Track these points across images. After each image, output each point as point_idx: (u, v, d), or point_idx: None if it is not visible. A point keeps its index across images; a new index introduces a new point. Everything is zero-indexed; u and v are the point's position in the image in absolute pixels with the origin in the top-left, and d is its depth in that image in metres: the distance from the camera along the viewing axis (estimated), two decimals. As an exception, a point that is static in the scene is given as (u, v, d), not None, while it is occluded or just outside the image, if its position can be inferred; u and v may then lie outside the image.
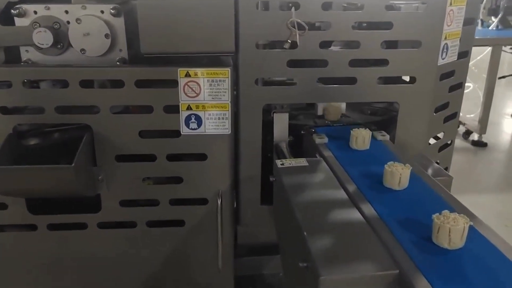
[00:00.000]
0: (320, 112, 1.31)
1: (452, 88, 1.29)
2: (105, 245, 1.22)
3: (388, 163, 0.91)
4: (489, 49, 3.59)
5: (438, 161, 1.36)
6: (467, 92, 4.22)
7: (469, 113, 3.80)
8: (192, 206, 1.21)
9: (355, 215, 0.80)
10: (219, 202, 1.18)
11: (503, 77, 4.03)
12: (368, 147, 1.11)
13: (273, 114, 1.22)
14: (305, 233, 0.74)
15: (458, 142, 3.70)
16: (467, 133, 3.70)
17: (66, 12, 1.11)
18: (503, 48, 3.68)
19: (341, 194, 0.88)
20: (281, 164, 1.02)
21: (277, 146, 1.24)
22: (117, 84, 1.09)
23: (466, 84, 4.39)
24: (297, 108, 1.37)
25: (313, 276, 0.65)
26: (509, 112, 4.36)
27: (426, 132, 1.22)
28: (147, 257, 1.25)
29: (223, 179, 1.19)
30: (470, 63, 4.30)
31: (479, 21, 4.43)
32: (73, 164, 0.99)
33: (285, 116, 1.23)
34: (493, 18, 4.18)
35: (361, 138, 1.09)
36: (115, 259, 1.23)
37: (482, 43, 3.27)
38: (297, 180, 0.94)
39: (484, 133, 3.55)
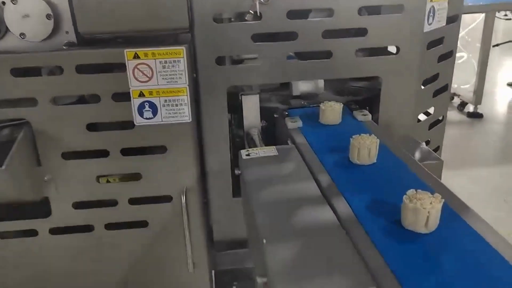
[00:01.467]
0: (295, 93, 1.17)
1: (442, 58, 1.15)
2: (60, 253, 1.09)
3: (354, 136, 0.80)
4: (482, 16, 3.43)
5: (429, 139, 1.23)
6: (460, 63, 4.10)
7: (463, 83, 3.66)
8: (155, 205, 1.09)
9: (326, 215, 0.66)
10: (183, 199, 1.05)
11: (497, 45, 3.87)
12: (339, 122, 0.99)
13: (241, 96, 1.08)
14: (264, 241, 0.61)
15: (453, 114, 3.57)
16: (462, 104, 3.57)
17: (-1, -8, 0.96)
18: (497, 14, 3.51)
19: (312, 189, 0.74)
20: (246, 155, 0.88)
21: (248, 134, 1.10)
22: (55, 71, 0.94)
23: (460, 54, 4.27)
24: (270, 89, 1.22)
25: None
26: (505, 81, 4.22)
27: (414, 109, 1.09)
28: (109, 263, 1.12)
29: (188, 174, 1.06)
30: (463, 32, 4.16)
31: (472, -13, 4.25)
32: (3, 167, 0.85)
33: (255, 98, 1.09)
34: (486, -17, 4.01)
35: (330, 111, 0.95)
36: (73, 267, 1.11)
37: (475, 10, 3.10)
38: (262, 174, 0.81)
39: (480, 103, 3.43)
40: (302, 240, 0.61)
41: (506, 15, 3.96)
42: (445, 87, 1.21)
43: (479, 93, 3.40)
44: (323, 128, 0.98)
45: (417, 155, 0.90)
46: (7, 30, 0.99)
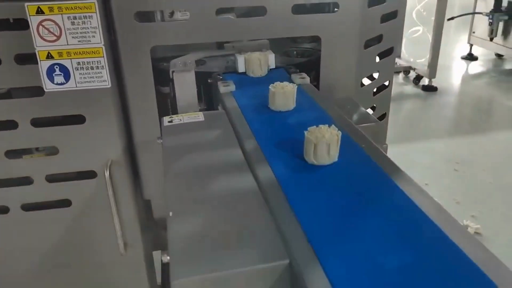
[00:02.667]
0: (242, 70, 1.06)
1: (385, 18, 1.08)
2: (-31, 238, 0.97)
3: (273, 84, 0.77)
4: (437, -12, 3.42)
5: (374, 105, 1.17)
6: (416, 36, 4.09)
7: (419, 57, 3.67)
8: (77, 182, 0.98)
9: (245, 181, 0.59)
10: (107, 174, 0.95)
11: (452, 18, 3.89)
12: (265, 73, 0.97)
13: (172, 74, 0.97)
14: (169, 214, 0.53)
15: (409, 88, 3.59)
16: (418, 78, 3.59)
17: None
18: (452, -13, 3.52)
19: (235, 155, 0.66)
20: (168, 122, 0.79)
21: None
22: None
23: (415, 28, 4.25)
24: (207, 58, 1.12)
25: (171, 276, 0.44)
26: (460, 54, 4.28)
27: (356, 71, 1.02)
28: (30, 248, 1.01)
29: (111, 146, 0.96)
30: (419, 6, 4.14)
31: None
32: None
33: (190, 75, 0.97)
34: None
35: (255, 62, 0.88)
36: (-14, 253, 1.00)
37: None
38: (183, 141, 0.72)
39: (434, 77, 3.45)
40: (214, 211, 0.53)
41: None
42: (390, 50, 1.15)
43: (433, 67, 3.41)
44: (258, 94, 0.90)
45: (355, 117, 0.84)
46: None
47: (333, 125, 0.61)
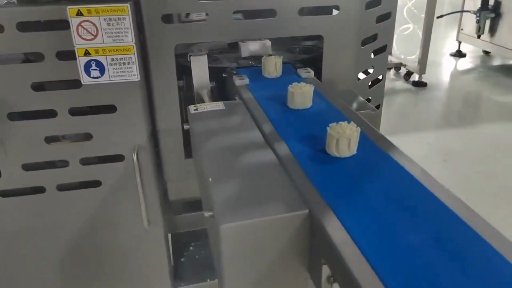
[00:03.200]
0: (244, 54, 1.21)
1: (380, 19, 1.21)
2: (12, 215, 1.09)
3: (293, 84, 0.87)
4: (427, -13, 3.56)
5: (370, 97, 1.31)
6: (407, 34, 4.24)
7: (410, 54, 3.82)
8: (107, 164, 1.10)
9: (267, 156, 0.72)
10: (134, 157, 1.07)
11: (441, 16, 4.04)
12: (280, 74, 1.05)
13: (189, 57, 1.10)
14: (210, 180, 0.65)
15: (400, 83, 3.74)
16: (408, 74, 3.74)
17: None
18: (441, -14, 3.66)
19: (256, 136, 0.79)
20: (194, 110, 0.92)
21: (198, 94, 1.13)
22: (-4, 29, 0.92)
23: (406, 26, 4.39)
24: (219, 50, 1.25)
25: (216, 225, 0.57)
26: (449, 51, 4.44)
27: (354, 67, 1.15)
28: (62, 224, 1.13)
29: (138, 133, 1.08)
30: (410, 4, 4.27)
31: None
32: None
33: (204, 58, 1.11)
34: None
35: (271, 64, 1.00)
36: (27, 228, 1.11)
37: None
38: (210, 126, 0.85)
39: (424, 73, 3.59)
40: (244, 177, 0.66)
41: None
42: (384, 48, 1.28)
43: (423, 63, 3.56)
44: (268, 83, 1.03)
45: (354, 105, 0.97)
46: None
47: (352, 122, 0.70)
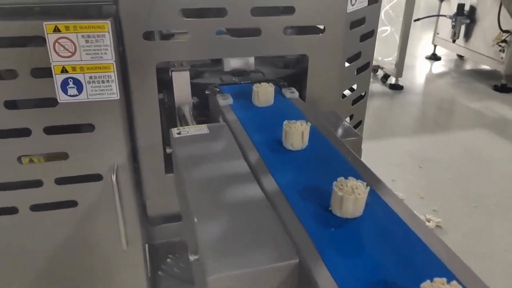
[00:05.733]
0: (227, 69, 1.18)
1: (364, 37, 1.21)
2: (-19, 237, 1.04)
3: (286, 121, 0.81)
4: (405, -9, 3.60)
5: (352, 114, 1.31)
6: (385, 36, 4.28)
7: (387, 56, 3.87)
8: (84, 184, 1.06)
9: (254, 191, 0.70)
10: (113, 178, 1.03)
11: (418, 19, 4.10)
12: (271, 103, 1.01)
13: (171, 72, 1.07)
14: (195, 220, 0.63)
15: (377, 86, 3.78)
16: (385, 76, 3.78)
17: None
18: (418, -10, 3.72)
19: (242, 166, 0.77)
20: (177, 134, 0.89)
21: (179, 110, 1.10)
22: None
23: (384, 28, 4.43)
24: (202, 64, 1.22)
25: (203, 272, 0.55)
26: (424, 54, 4.51)
27: (338, 86, 1.15)
28: (36, 246, 1.09)
29: (117, 151, 1.04)
30: (387, 6, 4.32)
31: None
32: None
33: (186, 74, 1.08)
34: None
35: (263, 93, 0.98)
36: (-3, 250, 1.07)
37: (398, -15, 3.25)
38: (193, 152, 0.82)
39: (401, 76, 3.65)
40: (231, 217, 0.64)
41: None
42: (367, 65, 1.28)
43: (400, 66, 3.61)
44: (253, 106, 1.01)
45: (340, 131, 0.96)
46: None
47: (360, 180, 0.63)
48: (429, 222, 2.00)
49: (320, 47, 1.08)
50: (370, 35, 1.24)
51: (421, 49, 4.74)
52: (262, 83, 0.97)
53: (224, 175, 0.75)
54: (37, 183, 1.03)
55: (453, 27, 3.90)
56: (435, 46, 4.37)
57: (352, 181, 0.63)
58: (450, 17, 3.90)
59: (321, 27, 1.08)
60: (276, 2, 1.01)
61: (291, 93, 1.05)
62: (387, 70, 3.75)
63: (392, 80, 3.72)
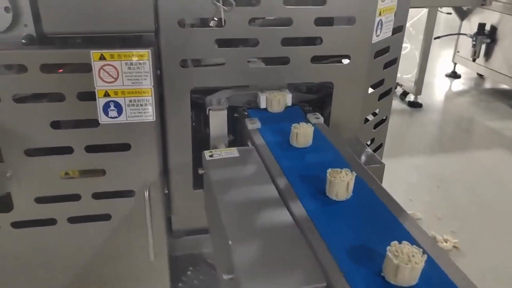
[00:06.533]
0: (263, 106, 1.20)
1: (387, 65, 1.26)
2: (22, 246, 1.11)
3: (330, 170, 0.80)
4: (425, 9, 3.63)
5: (373, 137, 1.35)
6: (404, 53, 4.31)
7: (406, 73, 3.89)
8: (118, 199, 1.13)
9: (284, 216, 0.75)
10: (146, 194, 1.10)
11: (438, 37, 4.12)
12: (310, 144, 1.02)
13: (208, 111, 1.12)
14: (230, 242, 0.69)
15: (396, 103, 3.80)
16: (404, 94, 3.80)
17: (-46, -18, 0.94)
18: (439, 8, 3.74)
19: (271, 191, 0.83)
20: (209, 156, 0.95)
21: (215, 147, 1.15)
22: (20, 69, 0.95)
23: (404, 45, 4.45)
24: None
25: (238, 291, 0.61)
26: (443, 71, 4.52)
27: (361, 111, 1.19)
28: (71, 255, 1.16)
29: (151, 170, 1.10)
30: (408, 24, 4.36)
31: (417, -19, 4.45)
32: (-32, 168, 0.86)
33: (223, 114, 1.11)
34: (429, -22, 4.22)
35: (302, 134, 0.98)
36: (36, 259, 1.13)
37: (419, 4, 3.29)
38: (225, 176, 0.88)
39: (420, 94, 3.66)
40: (263, 240, 0.69)
41: (449, 13, 4.23)
42: (389, 91, 1.33)
43: (419, 84, 3.63)
44: (280, 132, 1.06)
45: (363, 158, 1.01)
46: (-38, 22, 0.97)
47: (416, 246, 0.61)
48: (446, 243, 2.02)
49: (345, 75, 1.13)
50: (393, 62, 1.29)
51: (440, 66, 4.75)
52: (301, 124, 0.98)
53: (255, 199, 0.81)
54: (76, 197, 1.09)
55: (474, 46, 3.90)
56: (455, 64, 4.38)
57: (407, 247, 0.60)
58: (471, 36, 3.91)
59: (347, 56, 1.13)
60: (305, 34, 1.06)
61: (316, 119, 1.11)
62: (406, 87, 3.77)
63: (411, 97, 3.74)
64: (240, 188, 0.84)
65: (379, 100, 1.30)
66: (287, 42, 1.06)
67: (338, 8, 1.05)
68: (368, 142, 1.34)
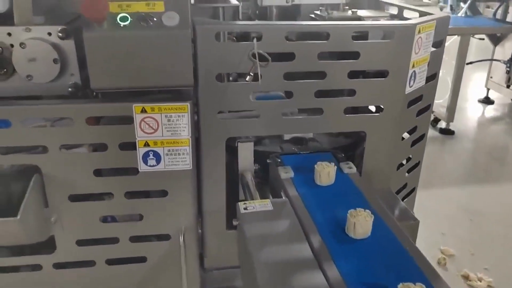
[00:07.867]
0: (286, 137, 1.26)
1: (420, 112, 1.26)
2: (61, 285, 1.16)
3: (350, 211, 0.87)
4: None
5: (406, 182, 1.35)
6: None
7: (437, 98, 3.83)
8: (154, 242, 1.16)
9: (318, 279, 0.76)
10: (181, 239, 1.13)
11: (471, 63, 4.06)
12: (333, 182, 1.07)
13: (237, 143, 1.16)
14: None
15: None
16: (435, 120, 3.74)
17: (9, 34, 1.00)
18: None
19: (305, 250, 0.84)
20: (244, 209, 0.97)
21: (243, 177, 1.19)
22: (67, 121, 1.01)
23: (435, 71, 4.33)
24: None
25: None
26: (475, 97, 4.43)
27: (394, 159, 1.20)
28: (108, 295, 1.20)
29: (186, 215, 1.14)
30: (439, 50, 4.25)
31: (449, 7, 4.43)
32: (18, 217, 0.91)
33: (250, 145, 1.17)
34: (462, 4, 4.19)
35: (325, 173, 1.05)
36: (74, 299, 1.18)
37: (452, 32, 3.26)
38: (260, 231, 0.90)
39: (452, 121, 3.59)
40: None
41: (481, 38, 4.17)
42: (422, 136, 1.33)
43: (451, 110, 3.57)
44: (313, 182, 1.08)
45: (396, 212, 1.01)
46: (14, 71, 1.04)
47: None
48: (480, 281, 1.96)
49: (377, 125, 1.14)
50: (426, 109, 1.29)
51: (472, 91, 4.66)
52: (323, 163, 1.03)
53: (289, 258, 0.83)
54: (114, 240, 1.14)
55: (507, 72, 3.82)
56: (488, 89, 4.29)
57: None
58: (504, 62, 3.83)
59: (379, 107, 1.14)
60: (339, 86, 1.08)
61: (349, 169, 1.12)
62: (438, 113, 3.71)
63: (442, 124, 3.68)
64: (274, 246, 0.86)
65: (411, 146, 1.30)
66: (321, 94, 1.09)
67: (371, 62, 1.07)
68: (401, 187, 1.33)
